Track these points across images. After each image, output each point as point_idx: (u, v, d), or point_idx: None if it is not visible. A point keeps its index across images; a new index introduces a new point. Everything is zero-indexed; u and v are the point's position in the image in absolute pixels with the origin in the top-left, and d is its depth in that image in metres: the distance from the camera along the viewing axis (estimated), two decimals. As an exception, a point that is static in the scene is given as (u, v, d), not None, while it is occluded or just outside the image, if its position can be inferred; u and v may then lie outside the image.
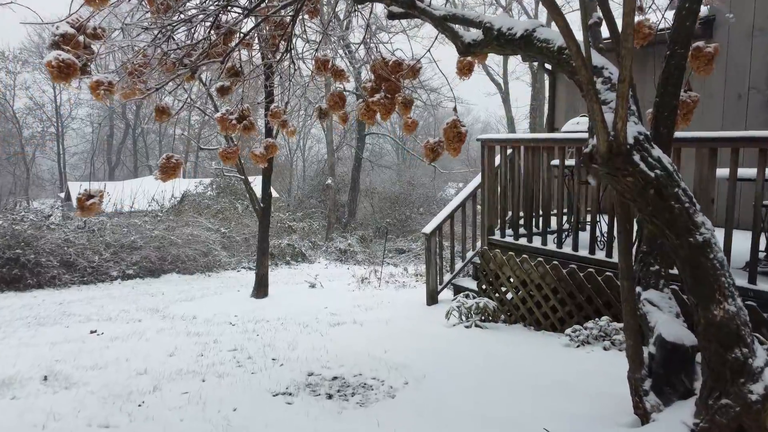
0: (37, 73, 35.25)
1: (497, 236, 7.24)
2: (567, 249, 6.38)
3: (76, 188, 28.26)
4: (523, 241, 6.89)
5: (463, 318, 6.40)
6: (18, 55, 35.50)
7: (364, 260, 19.47)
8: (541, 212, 6.95)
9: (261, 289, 9.48)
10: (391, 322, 6.96)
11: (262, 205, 9.13)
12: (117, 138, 41.03)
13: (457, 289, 8.37)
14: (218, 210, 19.00)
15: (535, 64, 28.73)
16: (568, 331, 5.42)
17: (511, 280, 6.70)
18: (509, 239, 7.06)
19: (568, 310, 6.17)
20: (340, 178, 26.04)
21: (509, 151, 7.10)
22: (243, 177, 9.35)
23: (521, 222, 7.10)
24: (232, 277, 15.40)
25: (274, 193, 32.93)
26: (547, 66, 10.40)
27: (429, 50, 5.01)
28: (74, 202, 25.90)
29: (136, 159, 40.58)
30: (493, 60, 35.96)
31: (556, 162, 7.04)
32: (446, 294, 8.52)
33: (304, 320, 7.46)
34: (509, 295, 6.77)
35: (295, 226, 19.82)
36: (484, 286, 7.20)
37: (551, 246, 6.56)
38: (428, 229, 8.14)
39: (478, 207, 9.22)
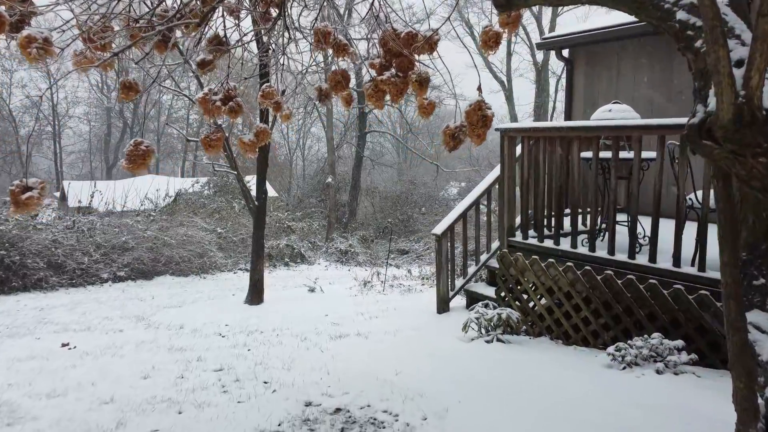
0: (34, 71, 34.42)
1: (518, 238, 6.40)
2: (601, 252, 5.54)
3: (75, 187, 27.41)
4: (548, 243, 6.06)
5: (483, 331, 5.56)
6: (15, 53, 34.65)
7: (366, 261, 18.63)
8: (569, 211, 6.11)
9: (256, 294, 8.63)
10: (400, 334, 6.13)
11: (256, 203, 8.29)
12: (114, 137, 40.16)
13: (470, 296, 7.55)
14: (214, 209, 18.16)
15: (540, 60, 27.94)
16: (611, 349, 4.58)
17: (535, 287, 5.87)
18: (533, 241, 6.22)
19: (603, 322, 5.34)
20: (340, 177, 25.20)
21: (530, 142, 6.27)
22: (236, 172, 8.49)
23: (541, 221, 6.27)
24: (228, 279, 14.56)
25: (273, 192, 32.08)
26: (565, 54, 9.58)
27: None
28: (69, 202, 25.06)
29: (134, 158, 39.62)
30: (497, 57, 35.16)
31: (587, 155, 6.21)
32: (458, 301, 7.70)
33: (302, 331, 6.62)
34: (531, 304, 5.94)
35: (294, 226, 18.99)
36: (503, 294, 6.37)
37: (582, 249, 5.72)
38: (439, 229, 7.30)
39: (494, 205, 8.36)
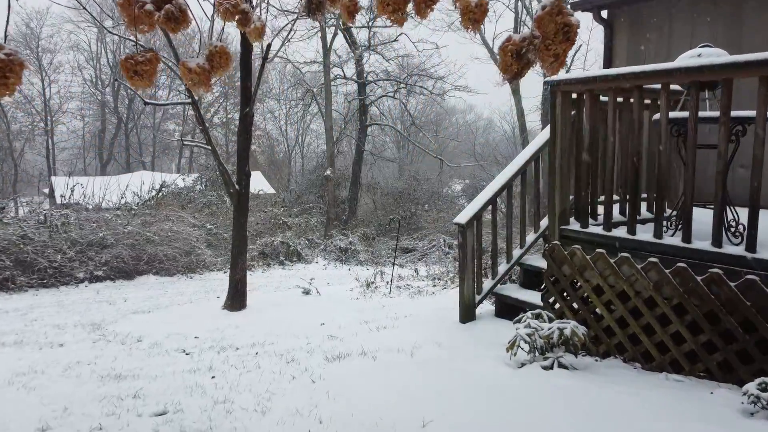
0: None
1: (575, 226, 4.79)
2: (701, 244, 3.95)
3: (60, 183, 25.81)
4: (619, 232, 4.45)
5: (536, 351, 3.96)
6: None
7: (367, 260, 17.03)
8: (646, 191, 4.52)
9: (237, 298, 7.02)
10: (419, 354, 4.54)
11: (237, 186, 6.67)
12: (109, 132, 38.51)
13: (501, 301, 5.98)
14: (204, 204, 16.54)
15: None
16: (752, 387, 2.98)
17: (599, 290, 4.28)
18: (596, 229, 4.61)
19: (705, 340, 3.75)
20: (340, 173, 23.59)
21: (592, 99, 4.68)
22: (209, 147, 6.85)
23: (609, 205, 4.66)
24: (216, 279, 12.98)
25: (270, 190, 30.51)
26: (603, 15, 7.98)
27: None
28: (58, 198, 23.44)
29: (129, 155, 38.06)
30: (501, 50, 33.54)
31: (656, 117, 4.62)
32: (484, 307, 6.11)
33: (289, 348, 5.03)
34: (587, 309, 4.35)
35: (290, 222, 17.38)
36: (551, 299, 4.78)
37: (671, 239, 4.11)
38: (463, 217, 5.70)
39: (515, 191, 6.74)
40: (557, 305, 4.73)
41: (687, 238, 3.99)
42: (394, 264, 9.57)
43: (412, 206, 22.74)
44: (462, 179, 28.72)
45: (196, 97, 6.59)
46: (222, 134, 39.11)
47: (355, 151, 23.88)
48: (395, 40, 22.74)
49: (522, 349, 3.97)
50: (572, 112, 4.77)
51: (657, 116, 4.66)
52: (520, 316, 4.24)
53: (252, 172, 22.20)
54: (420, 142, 26.21)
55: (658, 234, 4.15)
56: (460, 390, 3.52)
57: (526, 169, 6.04)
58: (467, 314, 5.81)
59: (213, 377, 4.13)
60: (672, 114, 4.21)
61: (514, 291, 5.98)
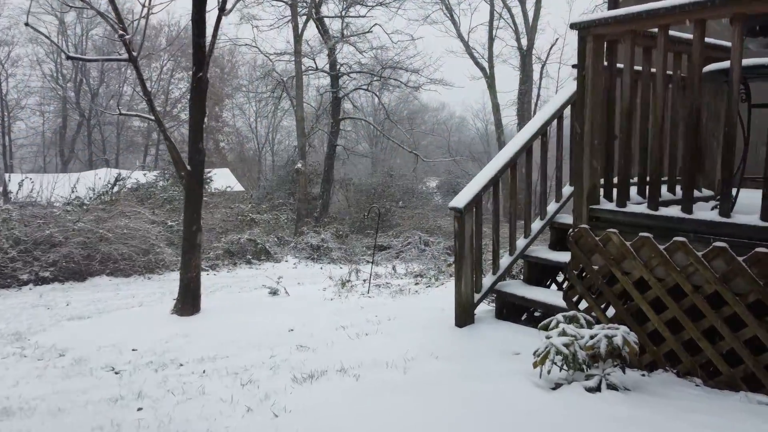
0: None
1: (607, 205, 3.80)
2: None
3: (16, 181, 24.15)
4: (670, 211, 3.46)
5: (572, 367, 2.95)
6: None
7: (341, 258, 15.96)
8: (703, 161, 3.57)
9: (188, 301, 5.87)
10: (414, 369, 3.52)
11: (189, 167, 5.52)
12: (71, 129, 36.66)
13: (503, 300, 5.02)
14: (166, 199, 15.26)
15: (525, 44, 25.64)
16: None
17: (643, 285, 3.30)
18: (638, 208, 3.62)
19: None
20: (312, 168, 22.43)
21: (633, 47, 3.70)
22: (152, 117, 5.64)
23: (656, 179, 3.69)
24: (176, 280, 11.67)
25: (240, 187, 29.19)
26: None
27: None
28: (12, 195, 21.82)
29: (91, 152, 36.26)
30: (478, 42, 32.84)
31: (718, 66, 3.69)
32: (482, 307, 5.10)
33: (247, 363, 3.95)
34: (626, 310, 3.36)
35: (258, 219, 16.19)
36: (575, 298, 3.80)
37: (746, 218, 3.13)
38: (461, 200, 4.68)
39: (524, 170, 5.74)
40: (584, 304, 3.75)
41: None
42: (372, 261, 8.51)
43: (387, 203, 21.71)
44: (437, 176, 27.78)
45: (135, 53, 5.44)
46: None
47: (328, 146, 22.76)
48: (369, 31, 21.71)
49: (555, 363, 2.95)
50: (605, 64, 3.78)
51: (714, 66, 3.71)
52: (549, 320, 3.22)
53: (220, 169, 20.74)
54: (395, 137, 25.19)
55: (724, 212, 3.17)
56: (481, 424, 2.49)
57: (532, 143, 5.06)
58: (465, 316, 4.79)
59: (139, 409, 3.03)
60: (747, 61, 3.24)
61: (518, 288, 5.00)
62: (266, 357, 4.08)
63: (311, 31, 21.25)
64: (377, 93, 23.34)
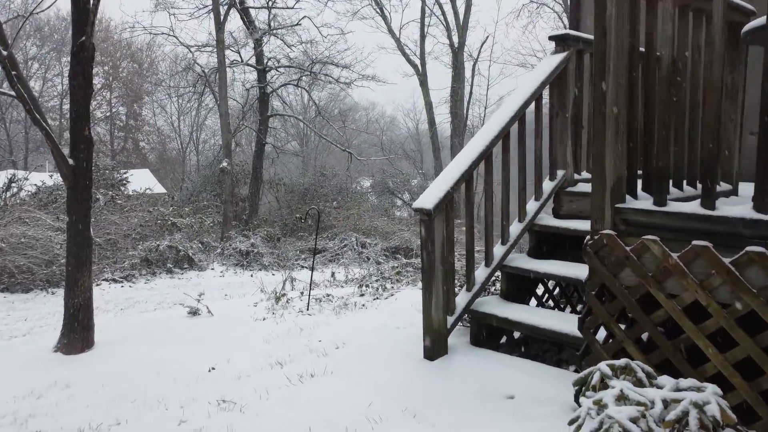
0: None
1: (639, 203, 2.83)
2: None
3: None
4: (738, 211, 2.53)
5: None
6: None
7: (273, 264, 14.66)
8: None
9: (76, 335, 4.48)
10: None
11: (71, 161, 4.17)
12: (-29, 129, 33.22)
13: (480, 323, 4.04)
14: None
15: (456, 41, 24.99)
16: None
17: (684, 306, 2.37)
18: (684, 207, 2.67)
19: None
20: (239, 168, 20.88)
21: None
22: (14, 93, 4.22)
23: (711, 165, 2.76)
24: (82, 295, 10.07)
25: (161, 189, 27.13)
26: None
27: None
28: None
29: (-5, 153, 33.00)
30: (410, 39, 32.08)
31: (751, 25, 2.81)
32: (456, 334, 4.08)
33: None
34: (673, 345, 2.43)
35: (180, 223, 14.63)
36: (592, 329, 2.85)
37: None
38: (428, 200, 3.64)
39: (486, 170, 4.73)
40: (614, 337, 2.78)
41: None
42: (312, 269, 7.33)
43: (321, 203, 20.49)
44: (370, 175, 26.78)
45: None
46: (106, 130, 34.94)
47: (256, 144, 21.27)
48: (298, 24, 20.39)
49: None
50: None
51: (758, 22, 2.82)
52: (588, 373, 2.21)
53: (139, 170, 18.74)
54: (326, 135, 23.96)
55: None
56: None
57: (509, 131, 4.08)
58: (437, 347, 3.75)
59: None
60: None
61: (497, 306, 4.01)
62: (173, 425, 2.89)
63: (235, 23, 19.82)
64: (307, 89, 22.06)
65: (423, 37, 25.36)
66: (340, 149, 21.16)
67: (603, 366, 2.15)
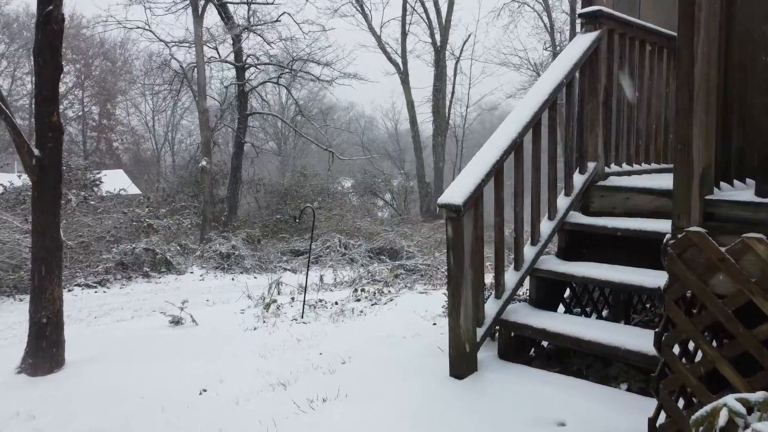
0: None
1: (734, 193, 2.35)
2: None
3: None
4: None
5: None
6: None
7: (255, 267, 14.04)
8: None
9: (44, 354, 3.84)
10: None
11: (36, 152, 3.57)
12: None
13: (510, 334, 3.56)
14: (42, 204, 12.62)
15: (438, 39, 24.59)
16: None
17: None
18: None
19: None
20: (218, 168, 20.15)
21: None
22: None
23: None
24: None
25: (136, 190, 26.21)
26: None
27: None
28: None
29: (-39, 153, 31.60)
30: (391, 37, 31.70)
31: None
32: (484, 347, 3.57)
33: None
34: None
35: (157, 225, 13.92)
36: (672, 346, 2.35)
37: None
38: (457, 194, 3.14)
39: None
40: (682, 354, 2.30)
41: None
42: (307, 273, 6.76)
43: (302, 204, 19.87)
44: (351, 175, 26.21)
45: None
46: (78, 130, 33.75)
47: (234, 143, 20.57)
48: (278, 20, 19.75)
49: None
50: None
51: None
52: (711, 408, 1.71)
53: (113, 171, 17.76)
54: (307, 133, 23.33)
55: None
56: None
57: (540, 118, 3.60)
58: (465, 363, 3.25)
59: None
60: None
61: (530, 315, 3.53)
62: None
63: (213, 18, 19.12)
64: (287, 87, 21.42)
65: (404, 35, 24.92)
66: (322, 148, 20.57)
67: (732, 401, 1.66)
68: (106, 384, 3.62)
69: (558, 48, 28.19)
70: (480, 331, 3.33)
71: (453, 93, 25.55)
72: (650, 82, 4.54)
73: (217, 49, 19.91)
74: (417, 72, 26.16)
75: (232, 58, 19.49)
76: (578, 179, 3.96)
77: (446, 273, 3.27)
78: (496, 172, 3.31)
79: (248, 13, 19.51)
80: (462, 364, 3.24)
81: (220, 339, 5.04)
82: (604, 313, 4.62)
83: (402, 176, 27.07)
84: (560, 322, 3.41)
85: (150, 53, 23.25)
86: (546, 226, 3.76)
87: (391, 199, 24.63)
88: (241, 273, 13.50)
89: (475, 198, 3.20)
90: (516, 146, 3.42)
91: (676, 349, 2.41)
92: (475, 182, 3.18)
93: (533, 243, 3.69)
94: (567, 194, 3.89)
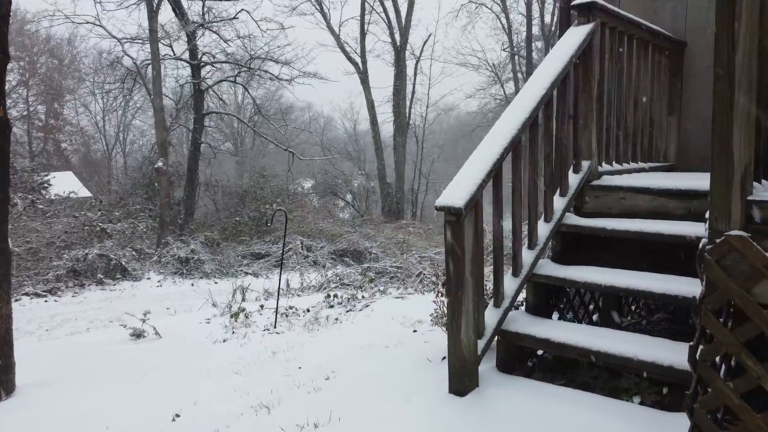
0: None
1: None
2: None
3: None
4: None
5: None
6: None
7: (215, 271, 13.52)
8: None
9: None
10: None
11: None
12: None
13: (510, 345, 3.32)
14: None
15: (398, 39, 24.37)
16: None
17: None
18: None
19: None
20: (173, 169, 19.43)
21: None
22: None
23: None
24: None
25: (86, 192, 25.13)
26: None
27: None
28: None
29: None
30: (350, 36, 31.35)
31: None
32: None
33: None
34: None
35: (111, 229, 13.24)
36: (710, 361, 2.13)
37: None
38: (457, 196, 2.89)
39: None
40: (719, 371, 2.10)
41: None
42: (280, 279, 6.39)
43: (261, 206, 19.36)
44: (311, 176, 25.74)
45: None
46: (23, 131, 32.17)
47: (191, 144, 19.88)
48: (235, 18, 19.20)
49: None
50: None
51: None
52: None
53: (61, 173, 16.85)
54: (265, 133, 22.75)
55: None
56: None
57: (537, 116, 3.38)
58: (467, 377, 3.00)
59: None
60: None
61: (530, 324, 3.31)
62: None
63: (167, 15, 18.41)
64: (245, 85, 20.82)
65: (363, 34, 24.62)
66: (282, 149, 20.07)
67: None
68: (65, 413, 3.21)
69: (515, 49, 28.43)
70: (481, 344, 3.08)
71: (413, 93, 25.41)
72: (637, 79, 4.40)
73: (171, 46, 19.20)
74: (377, 72, 25.94)
75: (187, 56, 18.81)
76: (573, 179, 3.76)
77: (446, 283, 3.00)
78: (495, 171, 3.07)
79: (203, 9, 18.88)
80: (463, 380, 2.98)
81: (189, 353, 4.66)
82: (594, 317, 4.46)
83: (362, 176, 26.78)
84: (563, 330, 3.19)
85: (100, 50, 22.26)
86: (543, 229, 3.54)
87: (352, 200, 24.30)
88: (201, 278, 12.98)
89: (476, 199, 2.95)
90: (515, 144, 3.18)
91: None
92: (476, 182, 2.93)
93: (530, 246, 3.46)
94: (562, 194, 3.68)
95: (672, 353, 2.83)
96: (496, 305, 3.25)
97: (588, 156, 3.85)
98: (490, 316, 3.21)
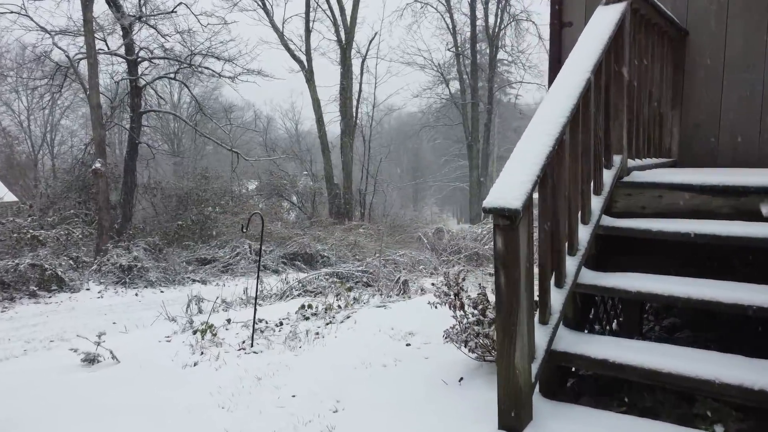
0: None
1: None
2: None
3: None
4: None
5: None
6: None
7: (161, 279, 12.54)
8: None
9: None
10: None
11: None
12: None
13: (558, 365, 2.88)
14: None
15: (344, 37, 23.76)
16: None
17: None
18: None
19: None
20: (108, 171, 18.07)
21: None
22: None
23: None
24: None
25: (12, 197, 23.30)
26: None
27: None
28: None
29: None
30: (295, 34, 30.45)
31: None
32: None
33: None
34: None
35: (44, 237, 12.02)
36: None
37: None
38: (512, 195, 2.38)
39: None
40: None
41: None
42: (257, 288, 5.68)
43: (205, 208, 18.31)
44: (256, 177, 24.72)
45: None
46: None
47: (128, 143, 18.59)
48: (173, 12, 18.08)
49: None
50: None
51: None
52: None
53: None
54: (210, 133, 21.62)
55: None
56: None
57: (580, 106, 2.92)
58: (522, 410, 2.51)
59: None
60: None
61: (578, 342, 2.88)
62: None
63: (100, 6, 17.07)
64: (185, 83, 19.70)
65: (308, 31, 23.83)
66: (226, 149, 19.09)
67: None
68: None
69: (459, 49, 28.37)
70: (534, 368, 2.59)
71: (360, 92, 24.79)
72: (651, 69, 4.04)
73: (105, 40, 17.86)
74: (322, 70, 25.18)
75: (123, 51, 17.54)
76: (606, 175, 3.34)
77: (496, 299, 2.49)
78: (546, 167, 2.59)
79: (140, 2, 17.67)
80: (518, 414, 2.48)
81: (157, 382, 3.95)
82: (613, 326, 4.09)
83: (307, 177, 26.01)
84: (616, 349, 2.75)
85: (24, 45, 20.54)
86: (583, 232, 3.09)
87: (299, 201, 23.52)
88: (146, 287, 11.99)
89: (530, 201, 2.46)
90: (564, 133, 2.72)
91: None
92: (531, 179, 2.44)
93: (571, 253, 3.00)
94: (596, 193, 3.25)
95: (754, 373, 2.43)
96: (543, 322, 2.77)
97: (618, 150, 3.45)
98: (539, 335, 2.72)
